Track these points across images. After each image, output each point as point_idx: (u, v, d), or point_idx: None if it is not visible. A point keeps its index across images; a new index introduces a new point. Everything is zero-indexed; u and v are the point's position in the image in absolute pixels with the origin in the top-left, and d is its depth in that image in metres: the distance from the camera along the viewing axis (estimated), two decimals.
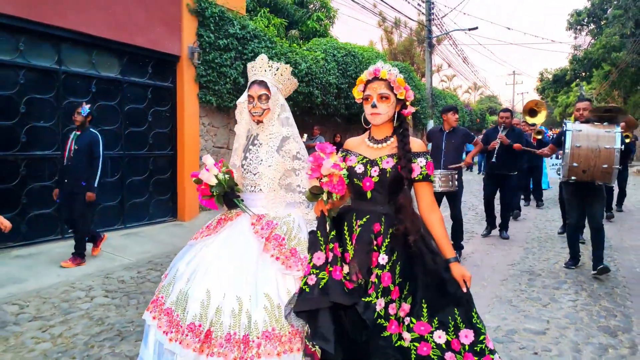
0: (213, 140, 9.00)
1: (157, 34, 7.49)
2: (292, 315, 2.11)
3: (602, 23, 26.16)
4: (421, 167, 2.14)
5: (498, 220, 7.38)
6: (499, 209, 7.31)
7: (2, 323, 3.93)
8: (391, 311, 1.99)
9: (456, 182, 5.46)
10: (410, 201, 2.10)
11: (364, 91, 2.25)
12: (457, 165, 5.64)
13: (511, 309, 4.23)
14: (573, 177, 4.90)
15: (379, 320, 1.97)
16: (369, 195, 2.19)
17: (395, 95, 2.19)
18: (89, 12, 6.52)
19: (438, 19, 21.44)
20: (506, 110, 7.32)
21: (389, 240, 2.08)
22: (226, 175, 2.60)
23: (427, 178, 2.17)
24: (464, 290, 2.03)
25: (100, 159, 5.41)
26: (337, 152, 2.25)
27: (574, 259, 5.51)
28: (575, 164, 4.82)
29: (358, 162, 2.23)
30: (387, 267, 2.03)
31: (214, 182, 2.56)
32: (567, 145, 4.85)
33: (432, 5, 20.72)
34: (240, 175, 2.70)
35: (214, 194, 2.58)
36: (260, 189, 2.59)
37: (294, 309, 2.08)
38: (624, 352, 3.39)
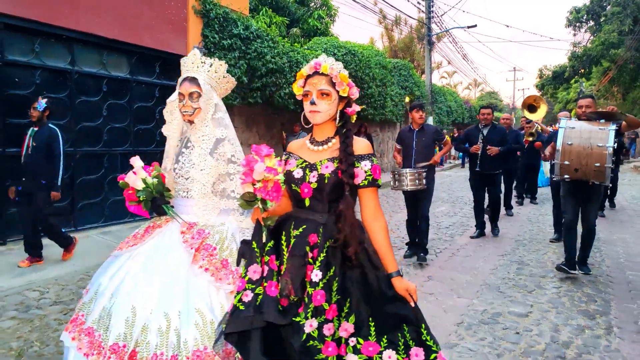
0: None
1: (165, 35, 7.80)
2: (222, 339, 1.95)
3: (601, 20, 26.38)
4: (366, 172, 1.94)
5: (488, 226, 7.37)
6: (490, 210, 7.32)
7: (26, 307, 4.25)
8: (326, 332, 1.79)
9: (424, 181, 5.39)
10: (351, 209, 1.92)
11: (303, 87, 2.05)
12: (427, 163, 5.60)
13: (498, 294, 4.53)
14: (566, 176, 4.81)
15: (311, 342, 1.77)
16: (307, 202, 1.98)
17: (338, 92, 2.00)
18: (101, 14, 6.83)
19: (437, 16, 21.68)
20: (486, 107, 7.02)
21: (324, 254, 1.88)
22: (155, 180, 2.44)
23: (373, 183, 1.96)
24: (412, 304, 1.90)
25: (61, 156, 5.18)
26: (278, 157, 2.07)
27: (569, 263, 5.02)
28: (566, 162, 4.73)
29: (297, 166, 2.03)
30: (321, 285, 1.84)
31: (140, 186, 2.41)
32: (559, 142, 4.79)
33: (431, 3, 20.96)
34: (172, 180, 2.53)
35: (141, 199, 2.42)
36: (192, 195, 2.45)
37: (226, 330, 1.89)
38: (599, 333, 3.69)
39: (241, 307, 1.89)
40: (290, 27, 15.60)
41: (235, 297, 1.95)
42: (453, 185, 14.15)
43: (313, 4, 18.19)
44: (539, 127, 8.80)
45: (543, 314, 4.05)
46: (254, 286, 1.93)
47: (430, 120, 19.44)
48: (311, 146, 2.06)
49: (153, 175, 2.46)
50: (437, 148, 6.89)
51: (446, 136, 6.26)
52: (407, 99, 18.09)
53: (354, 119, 2.08)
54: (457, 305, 4.26)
